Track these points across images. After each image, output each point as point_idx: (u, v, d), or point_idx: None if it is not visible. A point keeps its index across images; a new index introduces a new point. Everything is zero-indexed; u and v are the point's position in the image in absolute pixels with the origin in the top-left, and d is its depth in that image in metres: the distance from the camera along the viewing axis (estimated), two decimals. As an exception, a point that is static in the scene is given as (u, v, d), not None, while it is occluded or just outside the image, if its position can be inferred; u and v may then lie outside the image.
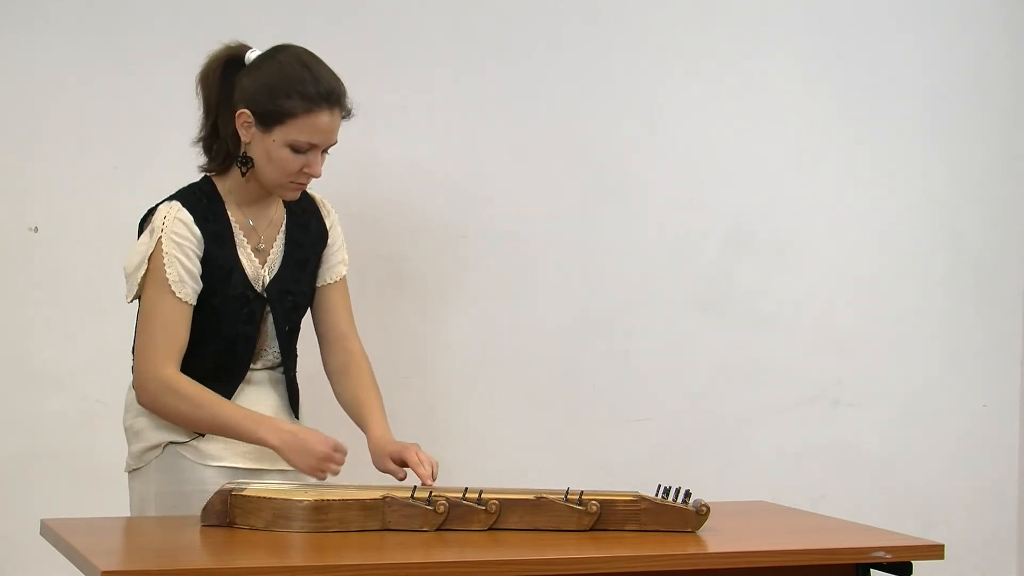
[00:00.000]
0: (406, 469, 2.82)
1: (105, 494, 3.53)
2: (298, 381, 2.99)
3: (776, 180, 4.12)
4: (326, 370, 3.02)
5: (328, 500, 2.53)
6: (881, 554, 2.53)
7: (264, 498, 2.54)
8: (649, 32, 4.00)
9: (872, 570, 2.55)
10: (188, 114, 3.68)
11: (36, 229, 3.61)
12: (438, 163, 3.87)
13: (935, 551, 2.57)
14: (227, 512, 2.57)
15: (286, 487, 2.66)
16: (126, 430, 2.91)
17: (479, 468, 3.67)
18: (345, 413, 2.99)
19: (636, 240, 4.02)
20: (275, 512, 2.53)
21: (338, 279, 3.00)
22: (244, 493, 2.57)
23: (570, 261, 3.98)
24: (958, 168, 4.25)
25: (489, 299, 3.92)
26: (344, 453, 2.73)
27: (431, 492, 2.59)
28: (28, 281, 3.60)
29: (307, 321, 3.01)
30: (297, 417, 2.97)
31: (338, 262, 3.00)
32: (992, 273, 4.28)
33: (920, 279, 4.23)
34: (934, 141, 4.23)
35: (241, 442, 2.80)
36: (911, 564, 2.54)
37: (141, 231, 2.86)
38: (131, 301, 2.86)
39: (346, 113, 2.82)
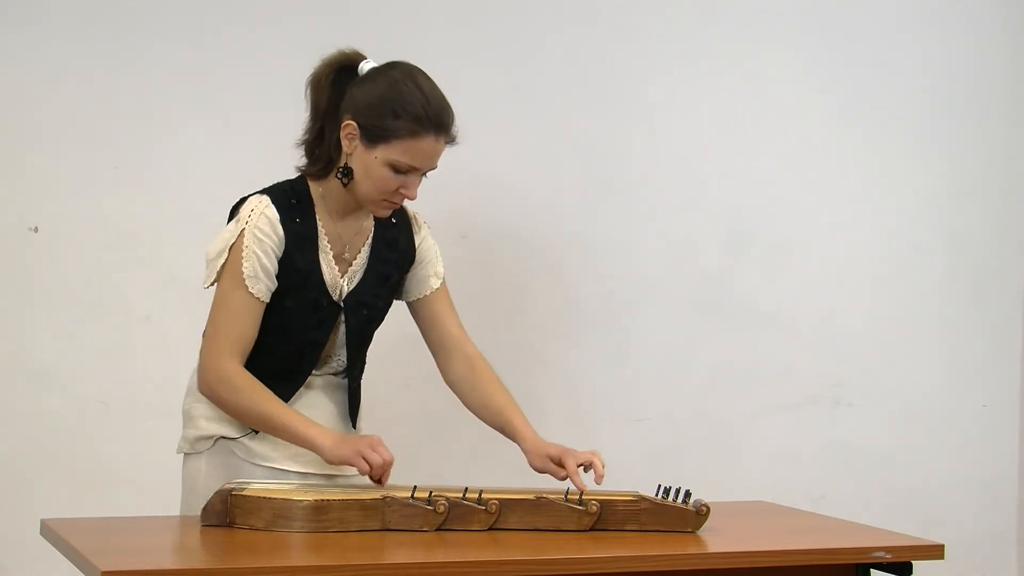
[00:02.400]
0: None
1: (105, 494, 3.54)
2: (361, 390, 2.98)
3: (776, 180, 4.12)
4: (448, 380, 2.99)
5: (328, 500, 2.53)
6: (881, 554, 2.53)
7: (264, 498, 2.54)
8: (649, 32, 4.00)
9: (872, 570, 2.56)
10: (188, 114, 3.69)
11: (36, 229, 3.61)
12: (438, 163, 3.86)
13: (935, 551, 2.57)
14: (227, 512, 2.57)
15: (286, 487, 2.66)
16: (183, 413, 2.90)
17: (479, 468, 3.67)
18: (479, 420, 2.98)
19: (636, 240, 4.02)
20: (275, 512, 2.53)
21: (429, 292, 2.97)
22: (244, 493, 2.57)
23: (570, 261, 3.98)
24: (958, 168, 4.25)
25: (489, 299, 3.92)
26: (389, 456, 2.71)
27: (431, 492, 2.59)
28: (28, 281, 3.60)
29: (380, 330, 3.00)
30: (355, 426, 2.95)
31: (429, 275, 2.98)
32: (992, 273, 4.28)
33: (920, 279, 4.23)
34: (934, 141, 4.23)
35: (291, 446, 2.79)
36: (911, 564, 2.55)
37: (231, 218, 2.84)
38: (208, 287, 2.83)
39: (451, 140, 2.79)
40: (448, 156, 3.85)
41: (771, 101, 4.10)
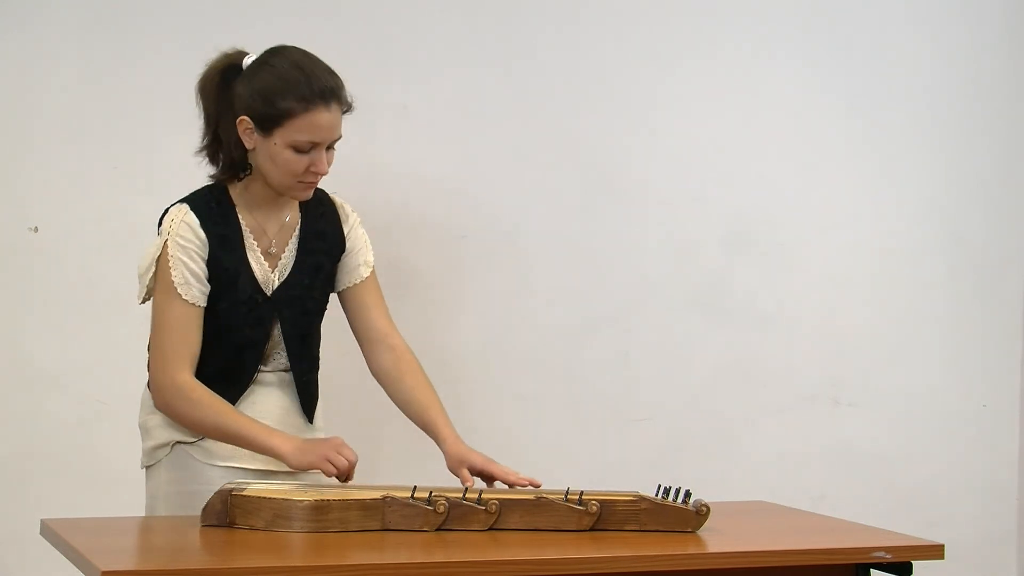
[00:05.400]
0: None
1: (105, 494, 3.54)
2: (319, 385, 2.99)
3: (776, 180, 4.12)
4: (373, 372, 2.99)
5: (328, 500, 2.53)
6: (881, 554, 2.52)
7: (264, 498, 2.54)
8: (649, 32, 4.00)
9: (872, 570, 2.55)
10: (188, 114, 3.69)
11: (36, 229, 3.61)
12: (438, 163, 3.87)
13: (935, 551, 2.57)
14: (227, 512, 2.57)
15: (286, 487, 2.66)
16: (140, 427, 2.92)
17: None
18: (406, 417, 2.98)
19: (636, 240, 4.02)
20: (275, 512, 2.53)
21: (359, 281, 2.97)
22: (244, 493, 2.57)
23: (570, 261, 3.98)
24: (959, 169, 4.25)
25: (489, 299, 3.92)
26: (354, 456, 2.72)
27: (431, 492, 2.59)
28: (28, 281, 3.60)
29: (328, 325, 3.00)
30: (311, 422, 2.96)
31: (359, 264, 2.97)
32: (992, 273, 4.28)
33: (920, 279, 4.23)
34: (935, 142, 4.23)
35: None
36: (911, 564, 2.54)
37: (159, 230, 2.86)
38: (142, 302, 2.86)
39: (347, 107, 2.81)
40: (448, 156, 3.88)
41: (771, 101, 4.10)
